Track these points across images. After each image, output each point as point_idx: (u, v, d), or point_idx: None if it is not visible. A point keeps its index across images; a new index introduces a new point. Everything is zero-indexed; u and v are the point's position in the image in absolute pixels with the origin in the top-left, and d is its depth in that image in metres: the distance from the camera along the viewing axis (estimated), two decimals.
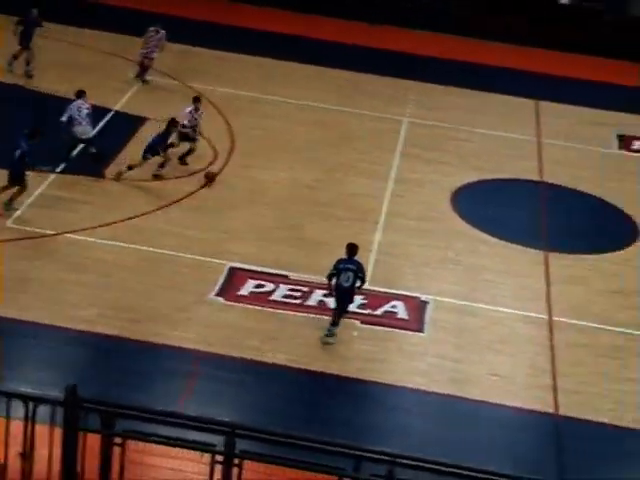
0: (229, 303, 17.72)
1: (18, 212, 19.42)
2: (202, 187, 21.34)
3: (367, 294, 18.21)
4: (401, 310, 18.17)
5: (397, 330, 17.64)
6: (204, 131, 23.12)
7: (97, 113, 22.08)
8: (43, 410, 10.32)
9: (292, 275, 18.68)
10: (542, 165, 24.71)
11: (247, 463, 10.79)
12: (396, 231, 20.81)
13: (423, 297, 18.53)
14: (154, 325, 16.83)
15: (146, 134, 22.16)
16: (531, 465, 14.62)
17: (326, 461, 10.94)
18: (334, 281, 16.69)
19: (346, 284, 16.63)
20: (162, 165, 21.23)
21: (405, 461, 10.43)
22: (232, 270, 18.63)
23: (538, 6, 34.01)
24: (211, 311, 17.45)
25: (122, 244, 19.00)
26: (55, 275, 17.79)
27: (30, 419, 10.39)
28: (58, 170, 21.03)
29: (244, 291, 18.09)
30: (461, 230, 21.21)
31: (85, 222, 19.42)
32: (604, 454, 15.27)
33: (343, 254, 16.99)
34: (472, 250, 20.49)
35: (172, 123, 21.28)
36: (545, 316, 18.48)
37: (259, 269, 18.72)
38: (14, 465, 10.75)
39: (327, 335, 16.90)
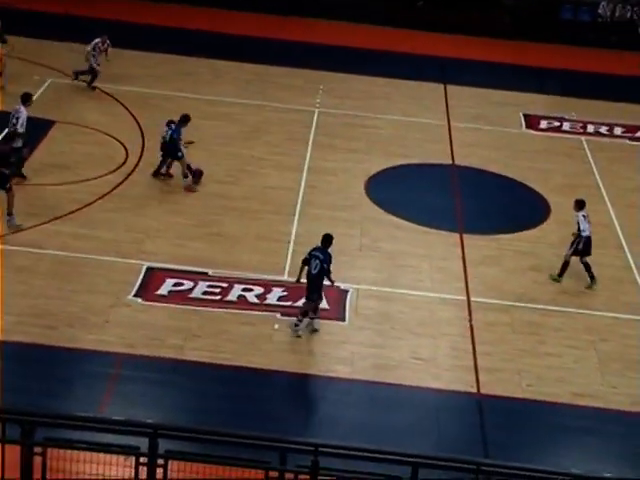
0: (148, 303, 17.59)
1: None
2: (193, 186, 21.38)
3: (287, 286, 18.25)
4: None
5: (319, 320, 17.67)
6: (113, 131, 22.87)
7: (4, 118, 21.67)
8: None
9: (211, 272, 18.61)
10: (453, 148, 25.01)
11: (173, 463, 10.75)
12: (312, 221, 20.86)
13: (342, 286, 18.60)
14: (72, 330, 16.62)
15: (55, 136, 21.80)
16: (457, 444, 14.82)
17: (252, 455, 10.97)
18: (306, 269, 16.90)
19: (314, 271, 16.83)
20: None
21: (329, 450, 10.50)
22: (150, 270, 18.49)
23: None
24: (130, 312, 17.30)
25: (35, 250, 18.71)
26: None
27: None
28: None
29: (163, 290, 17.98)
30: (377, 217, 21.36)
31: None
32: (527, 429, 15.55)
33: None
34: (389, 236, 20.66)
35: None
36: (464, 297, 18.73)
37: (177, 267, 18.62)
38: None
39: (296, 325, 17.01)
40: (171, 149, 21.55)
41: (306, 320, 17.17)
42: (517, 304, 18.67)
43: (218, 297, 17.93)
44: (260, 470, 10.89)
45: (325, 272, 16.88)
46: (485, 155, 24.76)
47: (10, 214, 19.24)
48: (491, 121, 26.86)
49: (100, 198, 20.68)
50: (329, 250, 17.13)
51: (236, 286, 18.21)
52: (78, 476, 10.73)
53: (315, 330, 17.20)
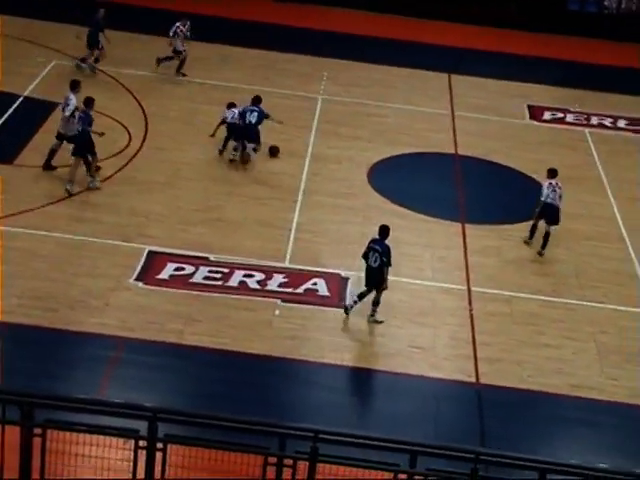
0: (149, 287, 17.60)
1: None
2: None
3: (288, 272, 18.28)
4: (322, 287, 18.25)
5: (319, 307, 17.72)
6: (117, 115, 22.85)
7: (6, 100, 21.66)
8: None
9: (212, 257, 18.63)
10: (456, 138, 24.97)
11: (172, 447, 10.78)
12: (314, 209, 20.87)
13: (344, 273, 18.63)
14: (73, 313, 16.65)
15: (58, 118, 21.77)
16: (455, 434, 14.85)
17: (251, 441, 11.00)
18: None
19: (374, 264, 16.90)
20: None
21: (328, 437, 10.52)
22: (151, 254, 18.50)
23: None
24: (131, 296, 17.32)
25: (37, 232, 18.74)
26: None
27: None
28: None
29: (164, 275, 17.99)
30: (379, 205, 21.36)
31: None
32: (525, 420, 15.58)
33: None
34: (391, 224, 20.56)
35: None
36: (464, 287, 18.74)
37: (179, 252, 18.63)
38: None
39: (371, 315, 17.23)
40: (249, 132, 21.81)
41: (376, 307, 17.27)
42: (517, 294, 18.68)
43: (219, 282, 17.95)
44: (259, 455, 10.91)
45: (386, 266, 16.90)
46: (488, 145, 24.73)
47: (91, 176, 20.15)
48: (495, 111, 26.82)
49: (103, 181, 20.67)
50: (386, 242, 17.17)
51: (237, 272, 18.23)
52: (77, 458, 10.76)
53: (378, 321, 17.28)
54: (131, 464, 10.70)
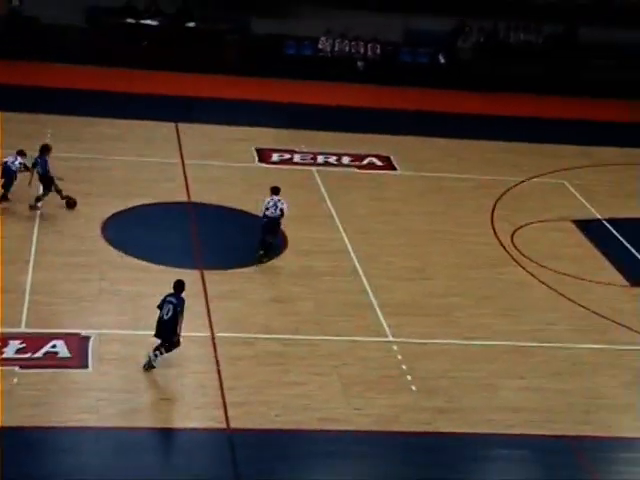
0: None
1: None
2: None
3: (24, 337, 17.64)
4: (62, 349, 17.74)
5: (61, 370, 17.20)
6: None
7: None
8: None
9: None
10: (188, 186, 25.09)
11: None
12: (48, 269, 20.29)
13: (84, 332, 18.19)
14: None
15: None
16: None
17: None
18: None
19: (165, 316, 17.33)
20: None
21: None
22: None
23: (166, 30, 34.62)
24: None
25: None
26: None
27: None
28: None
29: None
30: (115, 260, 21.06)
31: None
32: (279, 460, 15.71)
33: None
34: (128, 278, 20.40)
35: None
36: (208, 334, 18.76)
37: None
38: None
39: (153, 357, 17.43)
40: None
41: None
42: (261, 335, 18.91)
43: None
44: None
45: (177, 315, 17.26)
46: (221, 191, 25.01)
47: None
48: (224, 157, 27.23)
49: None
50: (182, 295, 17.47)
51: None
52: None
53: (152, 367, 17.37)
54: None
